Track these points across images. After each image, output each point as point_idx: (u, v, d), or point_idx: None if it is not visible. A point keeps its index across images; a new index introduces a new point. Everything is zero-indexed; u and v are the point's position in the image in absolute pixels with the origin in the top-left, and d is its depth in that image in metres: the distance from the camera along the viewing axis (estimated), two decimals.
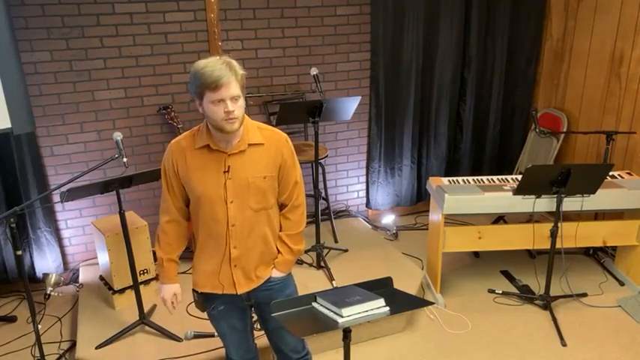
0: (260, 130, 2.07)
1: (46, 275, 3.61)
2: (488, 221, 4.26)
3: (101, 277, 3.44)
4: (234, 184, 2.01)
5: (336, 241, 4.08)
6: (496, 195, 3.30)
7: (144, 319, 3.08)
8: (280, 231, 2.18)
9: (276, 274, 2.18)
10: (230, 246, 2.06)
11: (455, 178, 3.54)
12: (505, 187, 3.37)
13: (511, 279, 3.78)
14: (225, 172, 2.00)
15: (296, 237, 2.19)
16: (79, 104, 3.64)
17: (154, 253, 2.22)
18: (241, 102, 1.92)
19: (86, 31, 3.52)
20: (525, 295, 3.54)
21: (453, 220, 4.01)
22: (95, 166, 2.69)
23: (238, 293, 2.12)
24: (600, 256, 3.97)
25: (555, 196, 3.13)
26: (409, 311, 3.27)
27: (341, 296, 1.80)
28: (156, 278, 3.40)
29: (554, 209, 3.16)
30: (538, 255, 4.01)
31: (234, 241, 2.06)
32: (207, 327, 2.70)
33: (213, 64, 1.86)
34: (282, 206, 2.18)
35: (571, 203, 3.27)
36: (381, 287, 1.93)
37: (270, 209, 2.12)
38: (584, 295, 3.54)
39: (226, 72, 1.85)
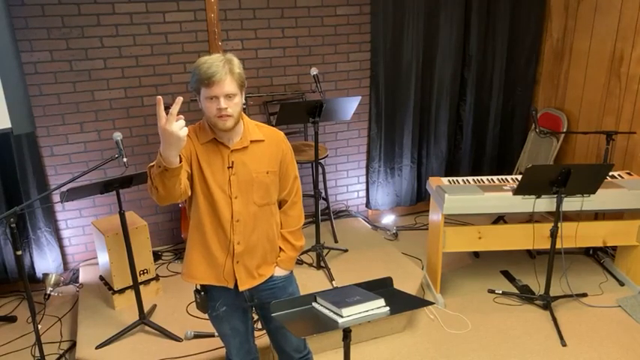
0: (259, 128, 2.10)
1: (46, 275, 3.62)
2: (488, 221, 4.26)
3: (101, 277, 3.44)
4: (238, 179, 2.02)
5: (336, 241, 4.08)
6: (496, 195, 3.30)
7: (144, 319, 3.08)
8: (281, 229, 2.20)
9: (279, 272, 2.19)
10: (234, 242, 2.06)
11: (455, 178, 3.54)
12: (505, 187, 3.37)
13: (511, 279, 3.78)
14: (229, 167, 2.02)
15: (297, 233, 2.23)
16: (79, 104, 3.64)
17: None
18: (237, 100, 1.92)
19: (86, 31, 3.52)
20: (525, 295, 3.53)
21: (453, 220, 4.02)
22: (95, 166, 2.69)
23: (240, 290, 2.12)
24: (600, 256, 3.97)
25: (555, 196, 3.13)
26: (409, 311, 3.27)
27: (341, 296, 1.80)
28: (156, 278, 3.41)
29: (554, 209, 3.16)
30: (538, 255, 4.01)
31: (238, 236, 2.06)
32: (207, 327, 2.71)
33: (212, 61, 1.87)
34: (280, 204, 2.20)
35: (571, 203, 3.27)
36: (381, 287, 1.94)
37: (273, 205, 2.14)
38: (584, 295, 3.54)
39: (222, 69, 1.86)
